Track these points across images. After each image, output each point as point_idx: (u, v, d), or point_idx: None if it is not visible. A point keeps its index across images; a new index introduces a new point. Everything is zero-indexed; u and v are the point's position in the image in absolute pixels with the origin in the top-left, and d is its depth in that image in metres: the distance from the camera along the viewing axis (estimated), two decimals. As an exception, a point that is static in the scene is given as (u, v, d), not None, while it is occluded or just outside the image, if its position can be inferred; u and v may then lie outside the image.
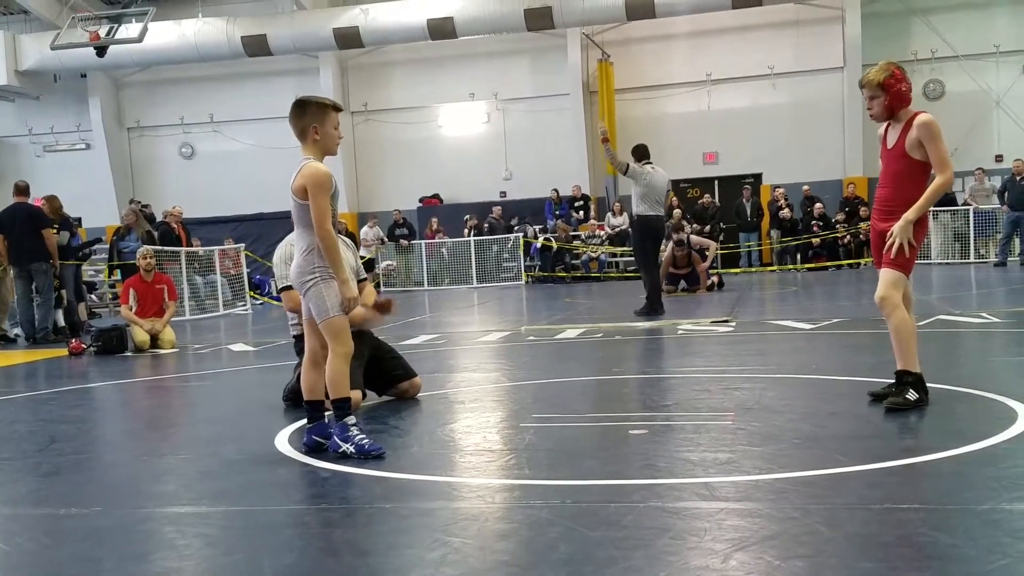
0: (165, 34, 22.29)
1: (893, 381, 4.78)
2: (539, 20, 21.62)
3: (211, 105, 25.98)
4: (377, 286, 20.93)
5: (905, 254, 4.60)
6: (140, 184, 26.54)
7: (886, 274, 4.68)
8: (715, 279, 15.71)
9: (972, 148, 21.75)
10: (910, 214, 4.56)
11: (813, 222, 21.07)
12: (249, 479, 3.97)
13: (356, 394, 5.49)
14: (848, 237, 20.76)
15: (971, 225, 19.88)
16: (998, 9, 22.46)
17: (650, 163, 11.35)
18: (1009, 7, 22.41)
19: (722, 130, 23.56)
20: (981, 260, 19.60)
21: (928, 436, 4.18)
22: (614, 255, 21.99)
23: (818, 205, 21.22)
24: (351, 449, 4.14)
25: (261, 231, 22.48)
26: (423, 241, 22.46)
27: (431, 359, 7.99)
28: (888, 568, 2.49)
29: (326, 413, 4.35)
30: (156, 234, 16.02)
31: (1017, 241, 18.34)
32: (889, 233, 4.61)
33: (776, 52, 23.18)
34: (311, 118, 4.35)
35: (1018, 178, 18.21)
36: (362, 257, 6.33)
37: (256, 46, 22.75)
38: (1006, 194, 18.34)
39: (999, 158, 21.65)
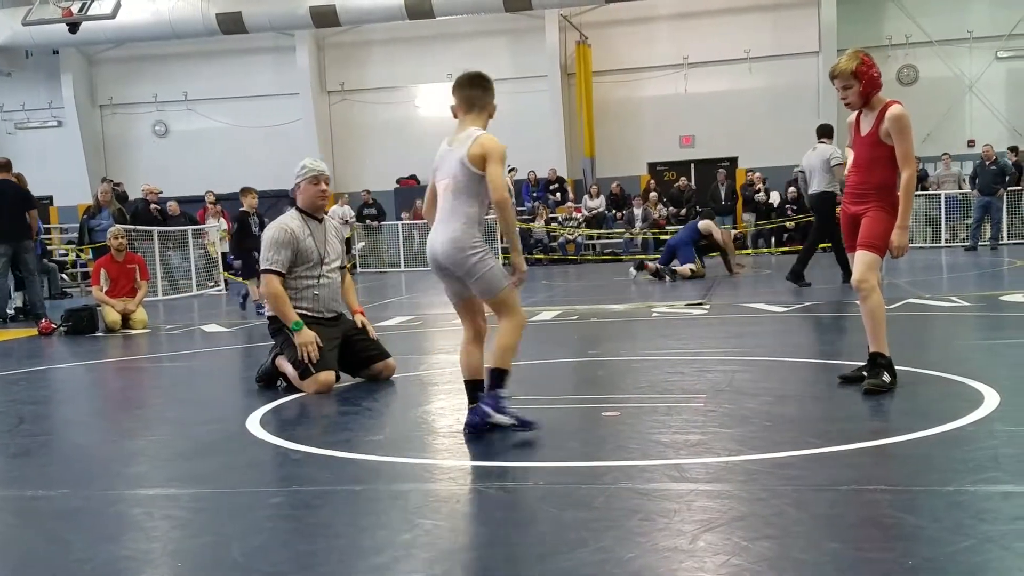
0: (139, 10, 22.01)
1: (863, 364, 4.83)
2: (517, 1, 21.53)
3: (185, 83, 25.72)
4: (354, 267, 20.85)
5: (896, 245, 4.67)
6: (112, 162, 26.27)
7: (863, 256, 4.71)
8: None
9: (944, 133, 21.95)
10: (901, 221, 4.64)
11: (787, 206, 21.19)
12: (220, 461, 3.95)
13: (329, 375, 5.49)
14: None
15: (942, 209, 20.07)
16: (972, -5, 22.63)
17: (820, 142, 11.79)
18: (983, -7, 22.57)
19: (699, 113, 23.61)
20: (950, 244, 19.79)
21: (896, 418, 4.23)
22: (591, 237, 22.02)
23: (791, 189, 21.33)
24: (509, 420, 4.02)
25: (236, 211, 22.29)
26: (399, 222, 22.37)
27: (405, 341, 7.97)
28: (854, 549, 2.52)
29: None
30: (128, 214, 15.87)
31: (988, 225, 18.54)
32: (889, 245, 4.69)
33: (752, 36, 23.22)
34: (492, 95, 4.29)
35: (988, 163, 18.39)
36: None
37: (231, 23, 22.53)
38: (976, 179, 18.53)
39: (971, 143, 21.86)
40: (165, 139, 26.41)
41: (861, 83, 4.67)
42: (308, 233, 5.75)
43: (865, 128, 4.77)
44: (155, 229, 16.00)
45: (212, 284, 17.42)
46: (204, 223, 18.49)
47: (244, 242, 11.90)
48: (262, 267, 5.68)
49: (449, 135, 4.27)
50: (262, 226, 12.43)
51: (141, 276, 11.10)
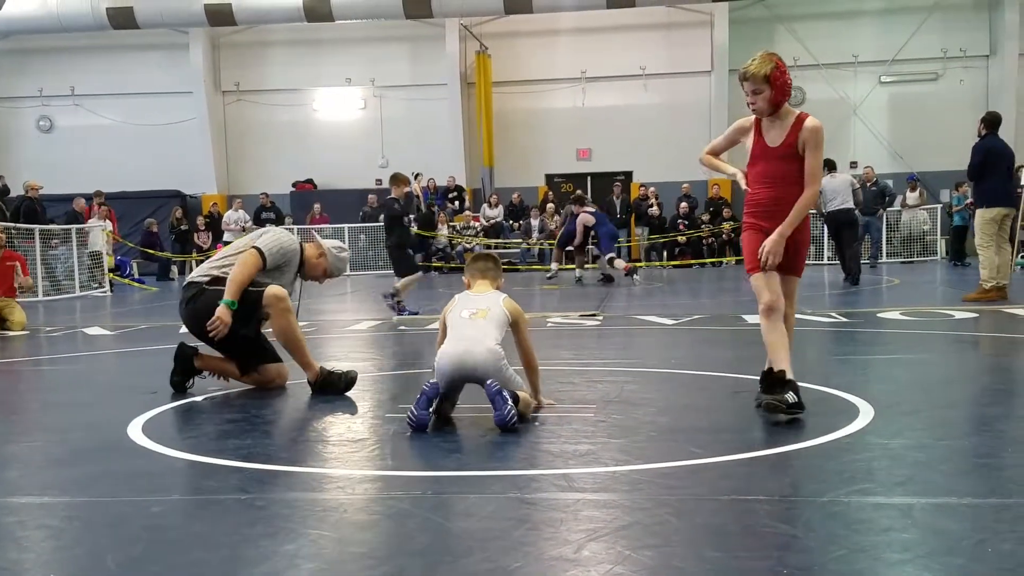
0: (25, 2, 21.22)
1: (764, 379, 4.71)
2: (417, 8, 21.50)
3: (72, 78, 24.85)
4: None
5: (768, 251, 4.41)
6: (-8, 157, 25.18)
7: (793, 283, 4.71)
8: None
9: (829, 154, 22.70)
10: (784, 228, 4.39)
11: (679, 221, 21.69)
12: (98, 469, 3.82)
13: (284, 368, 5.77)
14: (711, 237, 21.45)
15: (824, 228, 20.78)
16: (858, 20, 23.62)
17: (834, 172, 14.67)
18: (868, 19, 23.59)
19: (596, 127, 23.99)
20: (831, 262, 20.53)
21: (776, 430, 4.35)
22: (489, 247, 22.09)
23: (683, 204, 21.87)
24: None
25: (123, 210, 21.61)
26: (295, 226, 22.03)
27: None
28: (732, 558, 2.59)
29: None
30: (17, 210, 15.24)
31: (868, 245, 19.32)
32: (761, 248, 4.44)
33: (648, 53, 23.74)
34: (501, 274, 5.11)
35: (869, 184, 19.18)
36: (227, 242, 6.20)
37: (122, 18, 21.86)
38: (859, 200, 19.30)
39: (853, 164, 22.80)
40: (50, 135, 25.44)
41: (773, 89, 4.37)
42: (295, 271, 5.87)
43: (776, 140, 4.45)
44: (36, 227, 15.38)
45: (96, 286, 16.84)
46: (87, 223, 17.86)
47: (394, 234, 10.68)
48: (257, 245, 5.59)
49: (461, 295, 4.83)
50: (419, 210, 11.15)
51: (22, 273, 10.69)
